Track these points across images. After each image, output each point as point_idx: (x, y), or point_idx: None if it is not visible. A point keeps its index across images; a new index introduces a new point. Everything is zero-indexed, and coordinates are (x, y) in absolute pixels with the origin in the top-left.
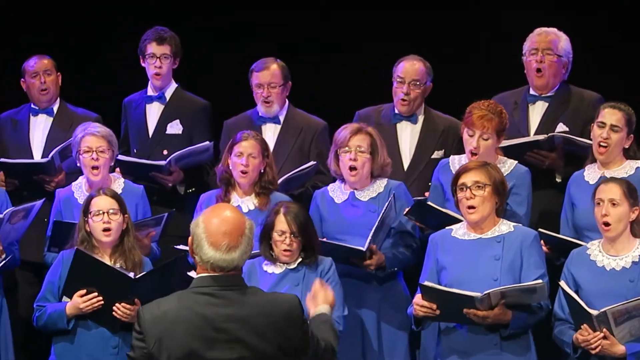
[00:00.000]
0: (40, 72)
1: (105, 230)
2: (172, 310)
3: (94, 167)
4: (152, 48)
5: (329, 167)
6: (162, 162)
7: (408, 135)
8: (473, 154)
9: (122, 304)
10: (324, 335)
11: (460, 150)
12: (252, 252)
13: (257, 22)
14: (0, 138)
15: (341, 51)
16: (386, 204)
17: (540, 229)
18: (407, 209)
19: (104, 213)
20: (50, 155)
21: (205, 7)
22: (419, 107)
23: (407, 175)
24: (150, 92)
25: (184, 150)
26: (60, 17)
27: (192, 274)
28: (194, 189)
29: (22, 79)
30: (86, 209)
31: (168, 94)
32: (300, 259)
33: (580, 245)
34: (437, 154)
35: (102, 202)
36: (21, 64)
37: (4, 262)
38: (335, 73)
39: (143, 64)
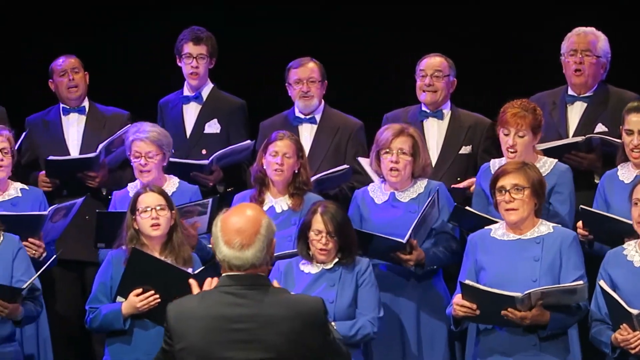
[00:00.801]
0: (68, 69)
1: (154, 225)
2: (193, 308)
3: (142, 171)
4: (189, 48)
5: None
6: (205, 162)
7: (435, 132)
8: (511, 152)
9: None
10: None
11: (487, 147)
12: (289, 251)
13: (258, 21)
14: (32, 139)
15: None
16: (429, 199)
17: (582, 206)
18: (448, 217)
19: (152, 209)
20: (98, 150)
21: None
22: (444, 101)
23: (435, 172)
24: (186, 92)
25: (226, 149)
26: (60, 17)
27: None
28: (233, 188)
29: (50, 80)
30: (134, 207)
31: (205, 94)
32: (337, 259)
33: (620, 221)
34: (464, 150)
35: (150, 199)
36: (20, 65)
37: (48, 263)
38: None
39: (179, 64)
